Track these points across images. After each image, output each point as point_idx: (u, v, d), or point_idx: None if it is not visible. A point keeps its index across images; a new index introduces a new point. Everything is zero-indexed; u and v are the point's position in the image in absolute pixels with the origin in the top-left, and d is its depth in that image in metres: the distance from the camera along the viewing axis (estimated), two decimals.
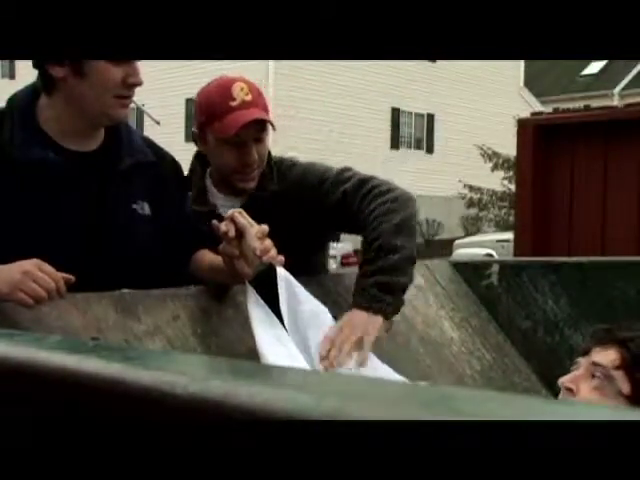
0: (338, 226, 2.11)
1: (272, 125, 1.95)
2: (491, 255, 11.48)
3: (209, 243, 1.83)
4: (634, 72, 28.37)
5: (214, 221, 1.69)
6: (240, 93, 1.91)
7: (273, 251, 1.68)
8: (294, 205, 1.99)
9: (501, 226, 18.44)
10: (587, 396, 1.43)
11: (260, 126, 1.94)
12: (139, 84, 1.70)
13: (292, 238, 1.84)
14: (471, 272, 2.44)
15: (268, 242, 1.67)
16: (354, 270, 1.94)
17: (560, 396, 1.49)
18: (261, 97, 1.96)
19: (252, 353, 1.66)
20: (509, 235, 10.33)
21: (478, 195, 19.14)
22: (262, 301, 1.69)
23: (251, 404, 0.54)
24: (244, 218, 1.68)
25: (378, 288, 1.78)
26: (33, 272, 1.53)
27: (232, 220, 1.67)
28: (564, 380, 1.48)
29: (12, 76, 23.02)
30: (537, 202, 5.56)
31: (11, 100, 1.77)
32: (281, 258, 1.69)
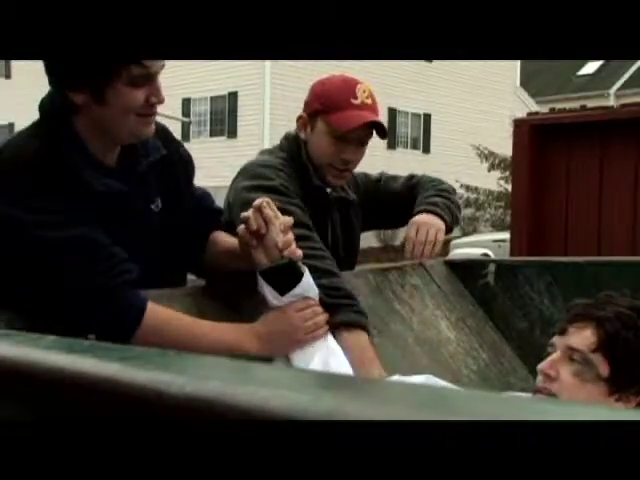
0: (403, 207, 2.29)
1: (385, 133, 2.07)
2: (487, 255, 11.48)
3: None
4: (630, 72, 28.43)
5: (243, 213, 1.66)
6: (362, 95, 2.02)
7: (293, 246, 1.66)
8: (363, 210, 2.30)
9: (497, 226, 18.45)
10: (568, 382, 1.38)
11: (369, 131, 2.05)
12: (162, 102, 1.66)
13: (351, 242, 2.20)
14: (467, 272, 2.44)
15: (290, 236, 1.65)
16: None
17: (538, 383, 1.42)
18: (376, 104, 2.08)
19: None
20: (505, 235, 10.32)
21: (475, 195, 19.14)
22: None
23: (248, 404, 0.54)
24: (271, 209, 1.64)
25: (443, 204, 2.16)
26: (302, 315, 1.68)
27: (259, 209, 1.63)
28: (543, 367, 1.42)
29: (8, 75, 22.99)
30: (533, 202, 5.57)
31: (44, 110, 1.66)
32: (300, 253, 1.66)
